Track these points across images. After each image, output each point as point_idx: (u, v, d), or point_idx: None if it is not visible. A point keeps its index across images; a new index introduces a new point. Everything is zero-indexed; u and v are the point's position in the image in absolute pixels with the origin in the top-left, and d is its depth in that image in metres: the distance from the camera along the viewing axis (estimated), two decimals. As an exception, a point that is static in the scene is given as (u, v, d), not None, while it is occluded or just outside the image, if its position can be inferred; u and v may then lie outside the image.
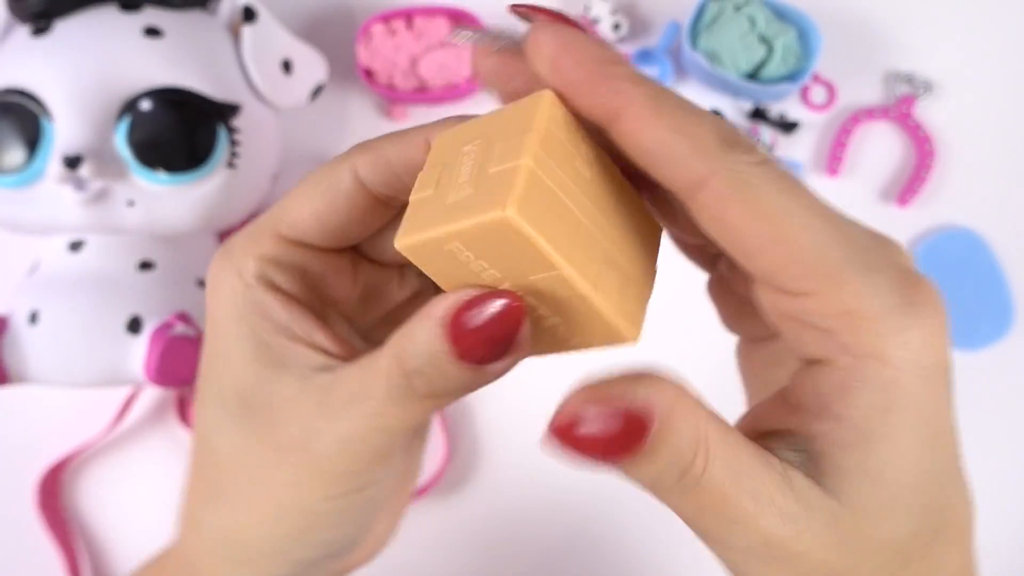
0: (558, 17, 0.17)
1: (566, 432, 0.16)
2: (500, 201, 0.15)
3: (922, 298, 0.16)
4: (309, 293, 0.22)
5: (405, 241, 0.17)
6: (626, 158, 0.17)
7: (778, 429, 0.18)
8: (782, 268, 0.16)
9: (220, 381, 0.21)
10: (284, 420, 0.20)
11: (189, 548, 0.24)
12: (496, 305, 0.17)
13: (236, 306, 0.21)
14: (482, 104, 0.52)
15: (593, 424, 0.16)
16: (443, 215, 0.16)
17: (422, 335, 0.18)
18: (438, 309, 0.17)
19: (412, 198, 0.18)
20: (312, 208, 0.20)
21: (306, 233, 0.21)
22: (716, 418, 0.17)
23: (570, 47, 0.16)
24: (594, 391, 0.16)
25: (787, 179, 0.16)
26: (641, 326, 0.18)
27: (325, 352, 0.20)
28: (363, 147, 0.20)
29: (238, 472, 0.21)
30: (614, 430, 0.16)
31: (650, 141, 0.16)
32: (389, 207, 0.21)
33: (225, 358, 0.21)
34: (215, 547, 0.23)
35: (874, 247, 0.16)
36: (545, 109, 0.17)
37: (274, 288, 0.21)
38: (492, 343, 0.17)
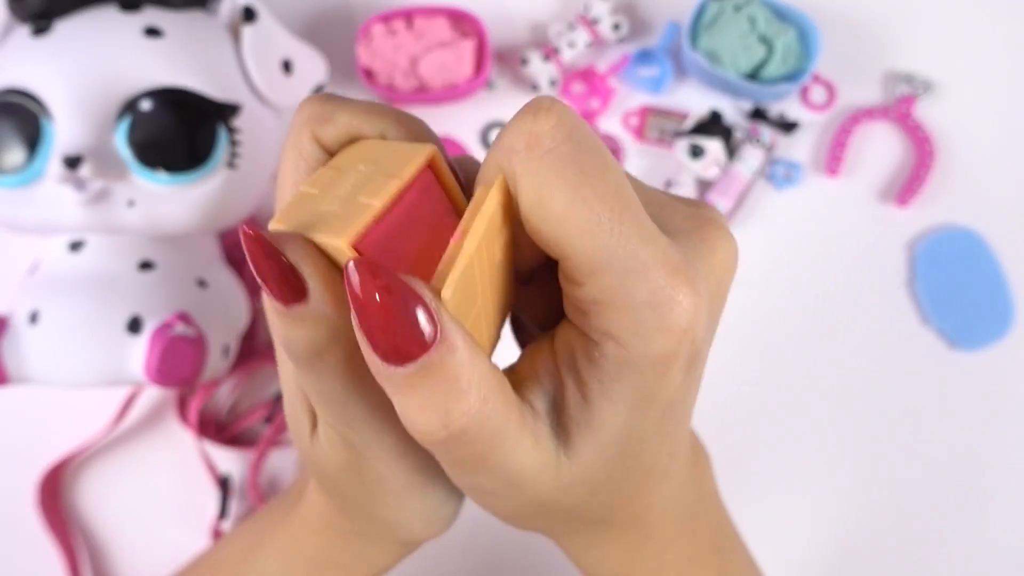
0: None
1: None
2: (341, 230, 0.18)
3: (669, 301, 0.18)
4: None
5: (276, 226, 0.19)
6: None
7: (538, 374, 0.21)
8: (550, 249, 0.19)
9: None
10: None
11: (343, 524, 0.28)
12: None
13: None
14: (483, 104, 0.52)
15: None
16: (309, 219, 0.19)
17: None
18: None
19: (301, 189, 0.20)
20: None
21: None
22: (493, 365, 0.19)
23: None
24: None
25: (578, 164, 0.18)
26: None
27: None
28: (321, 118, 0.21)
29: (353, 491, 0.25)
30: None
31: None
32: None
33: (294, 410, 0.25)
34: (372, 527, 0.27)
35: (629, 248, 0.18)
36: (416, 163, 0.20)
37: None
38: (271, 276, 0.18)
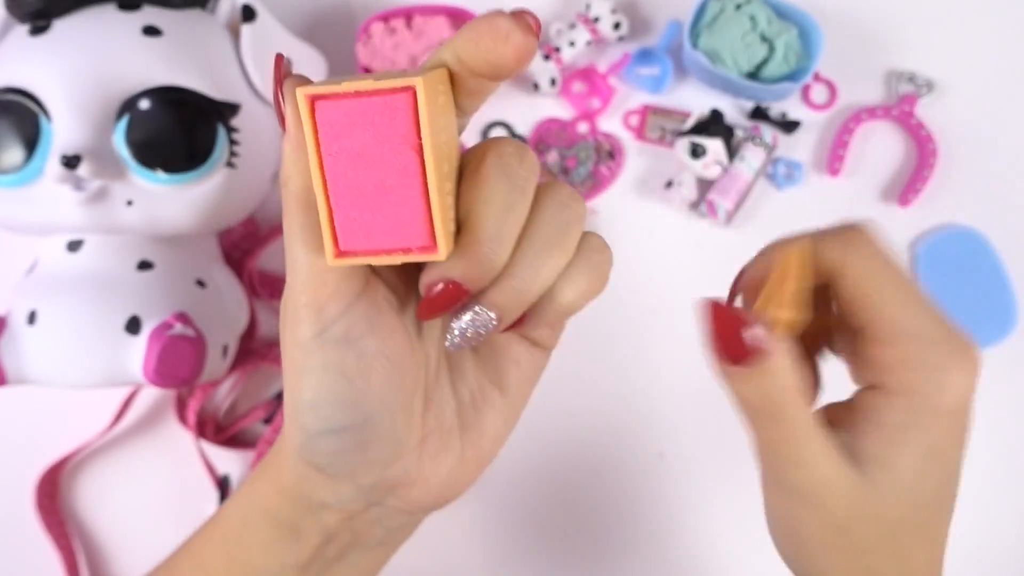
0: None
1: (721, 330, 0.23)
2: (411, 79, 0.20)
3: (958, 364, 0.25)
4: None
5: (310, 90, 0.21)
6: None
7: (837, 422, 0.26)
8: (875, 326, 0.25)
9: None
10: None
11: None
12: None
13: None
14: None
15: (739, 333, 0.23)
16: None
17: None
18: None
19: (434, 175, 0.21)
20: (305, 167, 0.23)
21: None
22: (808, 392, 0.26)
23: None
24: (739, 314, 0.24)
25: (898, 270, 0.26)
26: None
27: None
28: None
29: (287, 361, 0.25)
30: (749, 344, 0.23)
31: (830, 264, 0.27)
32: None
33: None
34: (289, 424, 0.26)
35: (935, 319, 0.26)
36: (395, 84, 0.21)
37: None
38: None
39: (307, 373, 0.24)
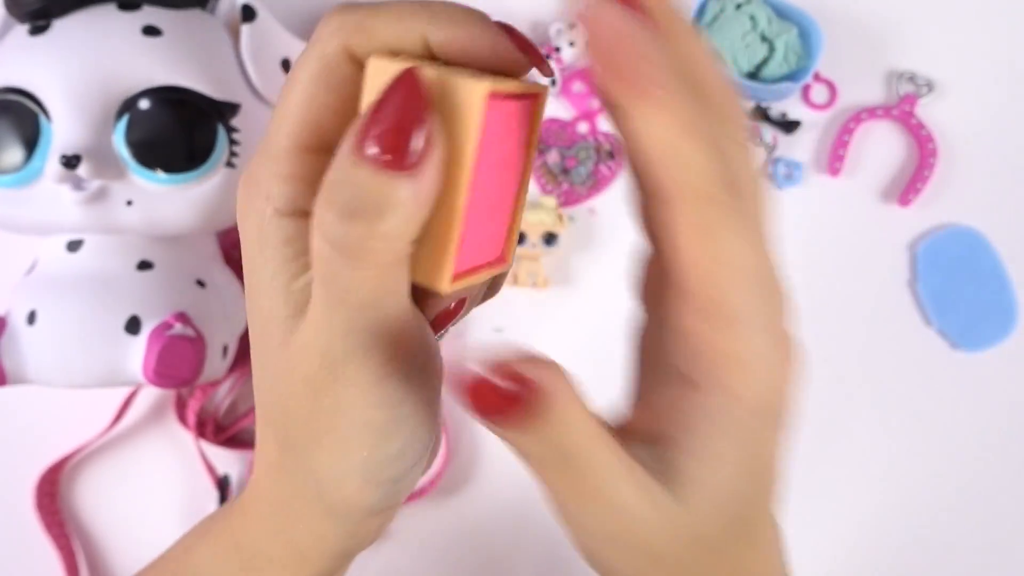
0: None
1: (468, 386, 0.17)
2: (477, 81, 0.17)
3: (782, 360, 0.19)
4: None
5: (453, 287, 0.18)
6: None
7: (637, 429, 0.21)
8: (703, 302, 0.18)
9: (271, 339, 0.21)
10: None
11: (275, 492, 0.24)
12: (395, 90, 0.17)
13: (266, 241, 0.20)
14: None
15: (490, 385, 0.18)
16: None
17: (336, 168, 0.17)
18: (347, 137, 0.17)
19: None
20: (319, 103, 0.20)
21: (326, 132, 0.20)
22: (592, 412, 0.19)
23: (617, 25, 0.16)
24: (493, 362, 0.18)
25: (747, 222, 0.18)
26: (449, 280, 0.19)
27: None
28: (355, 26, 0.19)
29: (303, 421, 0.21)
30: (509, 393, 0.17)
31: (658, 138, 0.17)
32: None
33: (267, 315, 0.20)
34: (305, 490, 0.23)
35: (772, 303, 0.19)
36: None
37: (303, 214, 0.20)
38: (394, 124, 0.17)
39: (399, 422, 0.21)
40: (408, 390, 0.21)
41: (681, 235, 0.17)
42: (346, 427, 0.21)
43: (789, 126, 0.52)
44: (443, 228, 0.18)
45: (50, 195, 0.39)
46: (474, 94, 0.17)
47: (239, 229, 0.21)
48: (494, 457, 0.49)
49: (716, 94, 0.18)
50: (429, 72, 0.17)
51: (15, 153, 0.39)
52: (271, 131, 0.20)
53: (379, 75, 0.18)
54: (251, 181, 0.20)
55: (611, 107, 0.17)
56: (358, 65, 0.19)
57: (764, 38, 0.50)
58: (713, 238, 0.17)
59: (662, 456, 0.20)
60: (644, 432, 0.21)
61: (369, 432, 0.21)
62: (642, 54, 0.16)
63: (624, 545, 0.20)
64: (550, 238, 0.50)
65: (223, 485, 0.48)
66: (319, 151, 0.20)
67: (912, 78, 0.52)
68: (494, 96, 0.17)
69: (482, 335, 0.50)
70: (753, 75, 0.50)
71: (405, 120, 0.16)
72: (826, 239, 0.52)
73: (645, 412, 0.21)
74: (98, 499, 0.49)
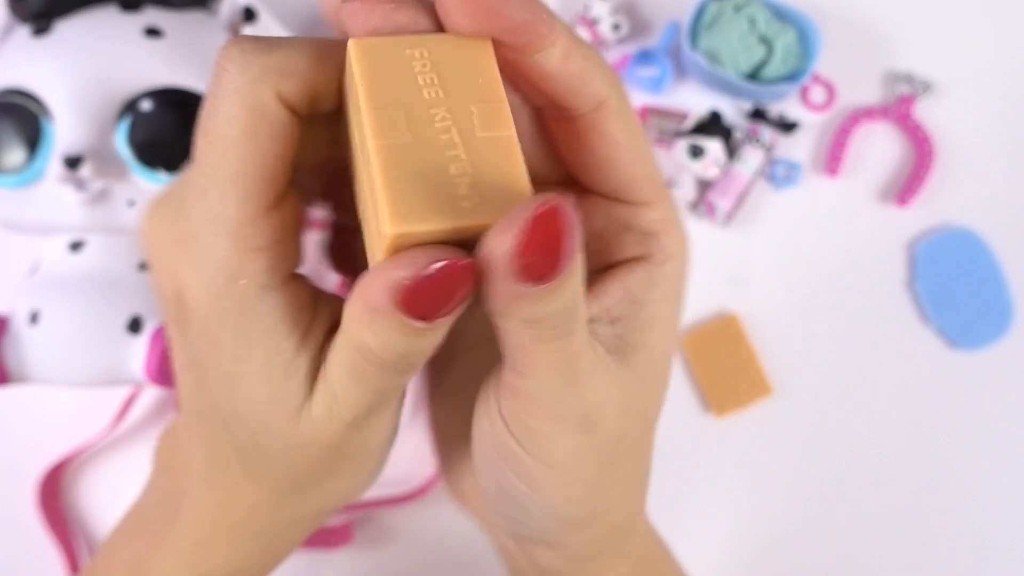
0: None
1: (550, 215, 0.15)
2: (520, 190, 0.16)
3: (682, 227, 0.21)
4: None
5: (401, 227, 0.16)
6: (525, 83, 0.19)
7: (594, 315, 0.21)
8: (634, 182, 0.20)
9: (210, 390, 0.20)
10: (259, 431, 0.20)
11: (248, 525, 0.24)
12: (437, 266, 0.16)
13: (255, 324, 0.19)
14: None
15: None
16: (449, 196, 0.16)
17: (382, 330, 0.17)
18: (381, 288, 0.16)
19: (380, 143, 0.16)
20: (270, 156, 0.18)
21: (279, 183, 0.18)
22: None
23: (487, 8, 0.17)
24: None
25: (631, 115, 0.20)
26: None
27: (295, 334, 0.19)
28: (280, 71, 0.17)
29: (314, 471, 0.22)
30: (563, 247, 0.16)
31: (573, 67, 0.18)
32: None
33: (265, 399, 0.20)
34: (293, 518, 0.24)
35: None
36: (490, 69, 0.17)
37: (287, 281, 0.19)
38: (435, 300, 0.16)
39: (392, 439, 0.23)
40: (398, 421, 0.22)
41: (612, 133, 0.19)
42: (361, 458, 0.22)
43: (787, 127, 0.52)
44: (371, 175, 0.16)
45: (52, 196, 0.40)
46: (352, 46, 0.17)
47: (174, 315, 0.19)
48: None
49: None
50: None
51: (17, 154, 0.39)
52: (213, 199, 0.18)
53: (371, 56, 0.17)
54: (195, 256, 0.18)
55: (506, 56, 0.18)
56: (289, 106, 0.18)
57: (763, 39, 0.50)
58: (626, 135, 0.19)
59: (618, 335, 0.20)
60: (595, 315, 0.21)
61: (371, 455, 0.22)
62: (522, 9, 0.17)
63: (581, 431, 0.19)
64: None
65: (224, 484, 0.48)
66: (277, 206, 0.18)
67: (910, 79, 0.53)
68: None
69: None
70: (752, 76, 0.51)
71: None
72: (824, 239, 0.52)
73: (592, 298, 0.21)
74: (101, 498, 0.49)
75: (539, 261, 0.15)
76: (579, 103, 0.19)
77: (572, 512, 0.21)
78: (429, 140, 0.16)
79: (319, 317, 0.19)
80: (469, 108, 0.17)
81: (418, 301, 0.16)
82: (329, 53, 0.18)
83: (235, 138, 0.17)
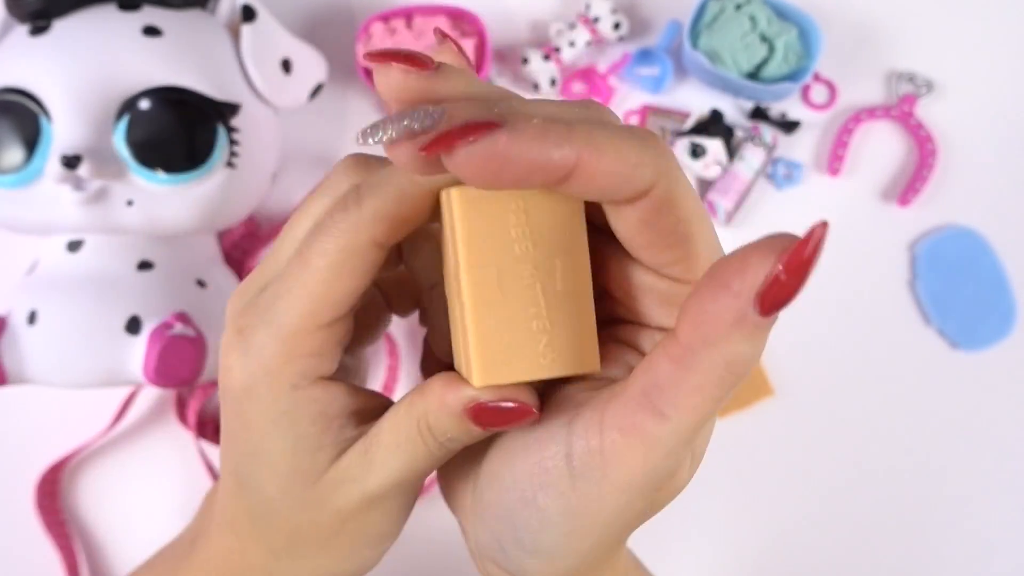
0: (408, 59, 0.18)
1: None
2: (589, 348, 0.20)
3: None
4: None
5: (486, 381, 0.19)
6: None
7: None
8: (683, 260, 0.19)
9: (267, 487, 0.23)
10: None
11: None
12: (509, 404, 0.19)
13: (285, 416, 0.21)
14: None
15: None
16: (530, 352, 0.19)
17: (446, 419, 0.20)
18: (459, 399, 0.20)
19: (474, 300, 0.19)
20: (344, 289, 0.20)
21: (343, 310, 0.20)
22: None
23: (496, 159, 0.16)
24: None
25: (688, 182, 0.19)
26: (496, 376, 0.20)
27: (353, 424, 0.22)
28: (374, 213, 0.19)
29: (317, 537, 0.23)
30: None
31: (605, 175, 0.17)
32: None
33: (268, 464, 0.22)
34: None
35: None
36: (580, 214, 0.19)
37: (328, 381, 0.22)
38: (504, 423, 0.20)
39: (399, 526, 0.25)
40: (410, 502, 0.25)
41: (657, 219, 0.18)
42: (367, 538, 0.24)
43: (789, 126, 0.52)
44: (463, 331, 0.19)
45: (50, 195, 0.39)
46: (452, 196, 0.19)
47: (231, 392, 0.22)
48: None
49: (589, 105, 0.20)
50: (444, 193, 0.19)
51: (15, 153, 0.39)
52: (279, 309, 0.20)
53: (472, 207, 0.19)
54: (246, 346, 0.21)
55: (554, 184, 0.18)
56: (382, 248, 0.20)
57: (764, 38, 0.50)
58: (683, 205, 0.18)
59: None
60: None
61: (379, 541, 0.24)
62: (535, 150, 0.17)
63: (652, 492, 0.19)
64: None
65: (223, 485, 0.48)
66: (331, 324, 0.21)
67: (911, 78, 0.52)
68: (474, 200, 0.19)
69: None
70: (753, 75, 0.50)
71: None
72: (826, 239, 0.52)
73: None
74: (99, 499, 0.49)
75: (786, 288, 0.15)
76: (622, 198, 0.18)
77: (570, 562, 0.21)
78: (517, 296, 0.19)
79: (354, 406, 0.22)
80: (554, 262, 0.19)
81: (483, 418, 0.19)
82: (415, 186, 0.19)
83: (321, 268, 0.20)
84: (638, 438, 0.18)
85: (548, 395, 0.21)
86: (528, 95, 0.52)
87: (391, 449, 0.21)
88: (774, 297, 0.15)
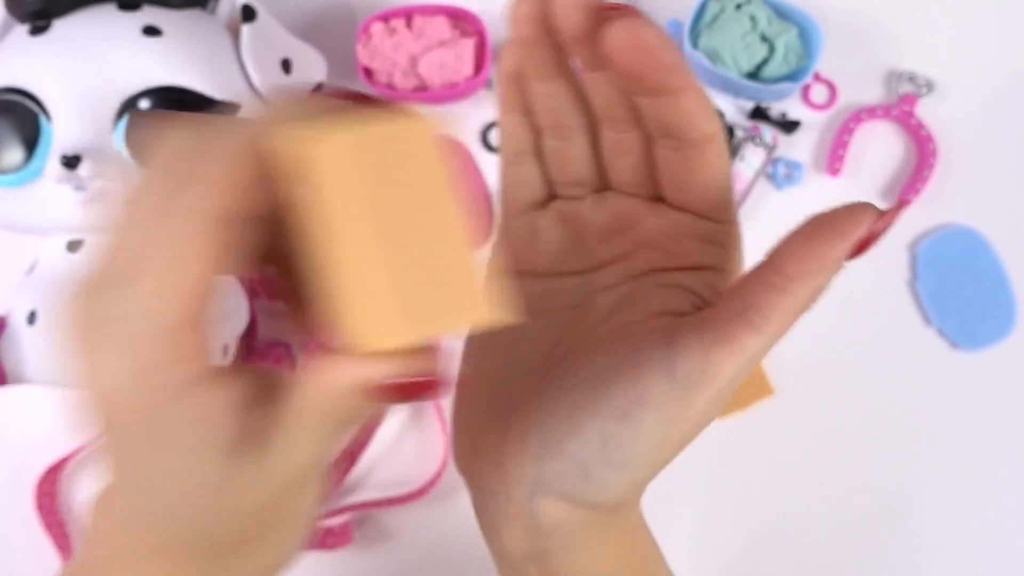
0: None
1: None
2: (473, 298, 0.18)
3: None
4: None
5: (373, 345, 0.18)
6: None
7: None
8: (723, 205, 0.24)
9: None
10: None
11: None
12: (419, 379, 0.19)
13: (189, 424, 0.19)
14: (483, 103, 0.52)
15: None
16: (409, 308, 0.17)
17: (346, 402, 0.19)
18: (353, 380, 0.19)
19: (344, 256, 0.17)
20: (197, 275, 0.18)
21: (202, 299, 0.19)
22: None
23: (643, 47, 0.21)
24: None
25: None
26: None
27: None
28: (208, 191, 0.18)
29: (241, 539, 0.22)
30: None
31: (694, 110, 0.22)
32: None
33: (190, 470, 0.20)
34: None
35: None
36: (439, 157, 0.18)
37: (209, 378, 0.19)
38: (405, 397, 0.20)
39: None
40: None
41: (705, 167, 0.23)
42: (288, 526, 0.23)
43: (789, 126, 0.52)
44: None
45: (50, 195, 0.39)
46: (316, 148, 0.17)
47: (97, 404, 0.20)
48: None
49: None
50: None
51: (15, 153, 0.39)
52: (135, 313, 0.18)
53: (328, 159, 0.17)
54: (117, 366, 0.19)
55: (646, 94, 0.22)
56: (230, 224, 0.18)
57: (764, 38, 0.50)
58: (723, 165, 0.23)
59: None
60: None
61: (303, 530, 0.24)
62: (672, 56, 0.21)
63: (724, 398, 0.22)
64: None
65: (223, 485, 0.48)
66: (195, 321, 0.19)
67: (912, 78, 0.52)
68: (346, 144, 0.17)
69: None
70: (753, 75, 0.50)
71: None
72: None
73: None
74: (98, 499, 0.49)
75: (872, 241, 0.22)
76: (693, 136, 0.22)
77: (654, 470, 0.23)
78: (389, 253, 0.17)
79: (237, 392, 0.20)
80: (423, 216, 0.17)
81: (385, 395, 0.19)
82: (256, 151, 0.18)
83: (169, 258, 0.18)
84: (736, 347, 0.21)
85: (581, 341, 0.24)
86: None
87: (295, 439, 0.20)
88: (864, 245, 0.22)
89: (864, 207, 0.21)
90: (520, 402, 0.24)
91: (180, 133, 0.19)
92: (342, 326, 0.18)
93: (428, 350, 0.19)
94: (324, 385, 0.19)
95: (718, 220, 0.24)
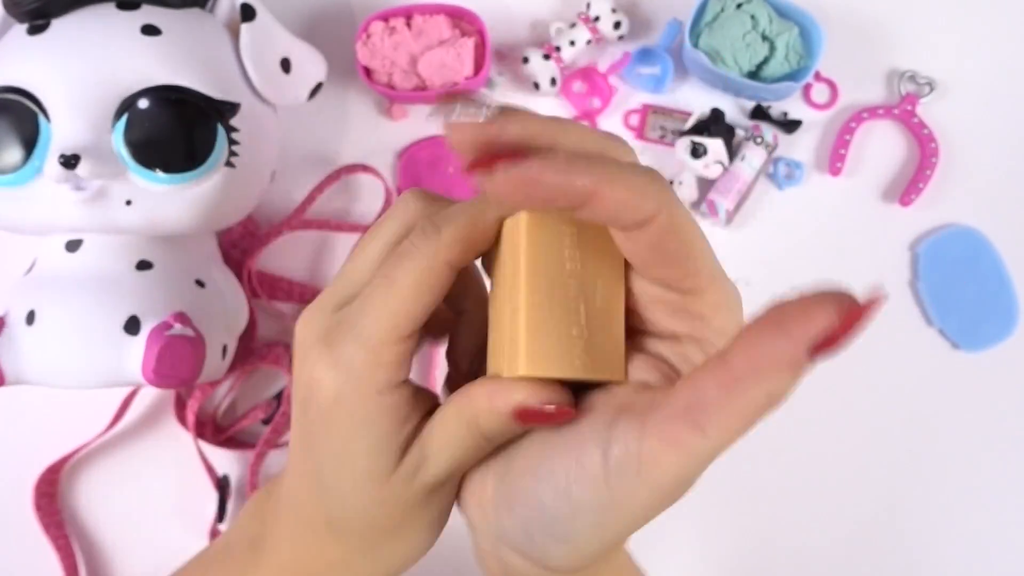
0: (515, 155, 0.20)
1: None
2: (618, 368, 0.23)
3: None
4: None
5: (530, 371, 0.22)
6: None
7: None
8: (688, 276, 0.22)
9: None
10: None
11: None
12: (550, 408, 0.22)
13: (369, 419, 0.24)
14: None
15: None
16: (568, 354, 0.22)
17: (494, 419, 0.23)
18: (507, 402, 0.22)
19: (529, 301, 0.22)
20: (423, 304, 0.23)
21: (420, 323, 0.23)
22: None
23: (528, 182, 0.20)
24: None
25: (686, 209, 0.22)
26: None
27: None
28: (451, 239, 0.23)
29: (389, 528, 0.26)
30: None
31: (616, 203, 0.20)
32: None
33: (363, 467, 0.24)
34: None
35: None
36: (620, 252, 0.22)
37: (403, 385, 0.24)
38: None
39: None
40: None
41: (663, 241, 0.21)
42: (428, 522, 0.27)
43: (790, 126, 0.52)
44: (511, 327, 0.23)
45: (49, 195, 0.39)
46: (519, 219, 0.22)
47: (301, 399, 0.25)
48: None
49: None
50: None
51: (14, 153, 0.39)
52: (366, 323, 0.23)
53: (536, 228, 0.22)
54: (335, 359, 0.24)
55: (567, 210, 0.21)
56: (454, 271, 0.23)
57: (765, 37, 0.50)
58: (678, 239, 0.21)
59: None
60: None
61: (436, 524, 0.28)
62: (559, 175, 0.20)
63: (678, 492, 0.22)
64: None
65: (222, 486, 0.48)
66: (410, 335, 0.24)
67: (913, 78, 0.52)
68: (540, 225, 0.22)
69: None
70: (754, 75, 0.50)
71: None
72: (827, 239, 0.52)
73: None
74: (97, 499, 0.49)
75: (837, 341, 0.17)
76: (631, 220, 0.21)
77: (594, 548, 0.23)
78: (562, 305, 0.22)
79: (417, 406, 0.25)
80: (596, 281, 0.23)
81: (527, 418, 0.22)
82: (484, 218, 0.23)
83: (404, 286, 0.23)
84: (677, 448, 0.20)
85: (579, 399, 0.23)
86: (528, 95, 0.52)
87: (444, 446, 0.24)
88: (825, 347, 0.17)
89: (819, 302, 0.17)
90: (498, 447, 0.25)
91: (415, 195, 0.25)
92: (509, 354, 0.22)
93: (565, 386, 0.23)
94: (480, 404, 0.23)
95: (687, 291, 0.22)
